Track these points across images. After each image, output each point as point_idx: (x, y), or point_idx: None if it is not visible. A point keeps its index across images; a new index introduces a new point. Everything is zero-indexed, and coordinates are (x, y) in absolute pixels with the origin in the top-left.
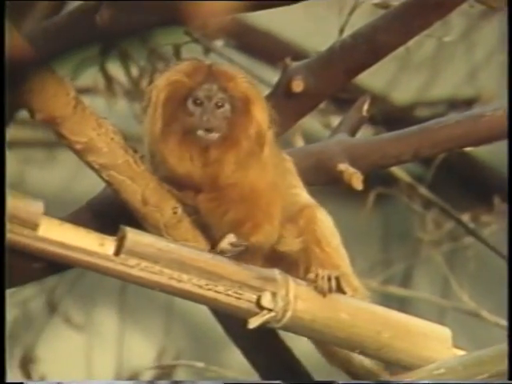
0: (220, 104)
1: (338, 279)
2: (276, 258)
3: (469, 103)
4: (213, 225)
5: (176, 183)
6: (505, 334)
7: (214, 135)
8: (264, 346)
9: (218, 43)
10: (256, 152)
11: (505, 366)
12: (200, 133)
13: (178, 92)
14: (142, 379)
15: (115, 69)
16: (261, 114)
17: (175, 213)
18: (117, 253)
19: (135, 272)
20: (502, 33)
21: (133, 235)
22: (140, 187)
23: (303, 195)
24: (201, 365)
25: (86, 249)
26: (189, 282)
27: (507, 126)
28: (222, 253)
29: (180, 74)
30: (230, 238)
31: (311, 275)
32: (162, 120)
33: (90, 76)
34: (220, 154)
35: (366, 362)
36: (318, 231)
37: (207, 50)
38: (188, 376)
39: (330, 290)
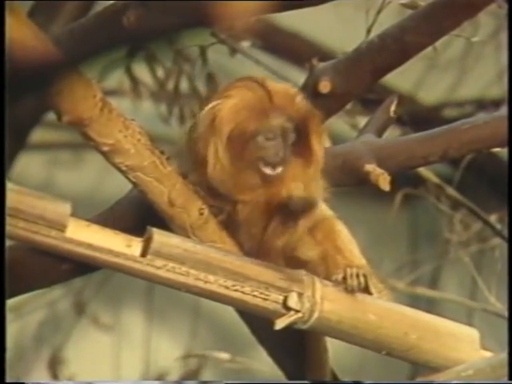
0: (289, 137)
1: (365, 277)
2: (296, 266)
3: (497, 104)
4: (248, 228)
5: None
6: None
7: (279, 169)
8: (291, 346)
9: (245, 44)
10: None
11: None
12: (267, 170)
13: (246, 126)
14: (169, 380)
15: (141, 70)
16: (319, 144)
17: (202, 214)
18: (143, 254)
19: (162, 273)
20: None
21: (159, 236)
22: (166, 188)
23: (322, 207)
24: (226, 356)
25: (113, 250)
26: (215, 283)
27: (507, 131)
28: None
29: (244, 105)
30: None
31: (339, 276)
32: (225, 151)
33: (116, 78)
34: (281, 183)
35: None
36: (339, 240)
37: (233, 51)
38: (215, 375)
39: (360, 287)
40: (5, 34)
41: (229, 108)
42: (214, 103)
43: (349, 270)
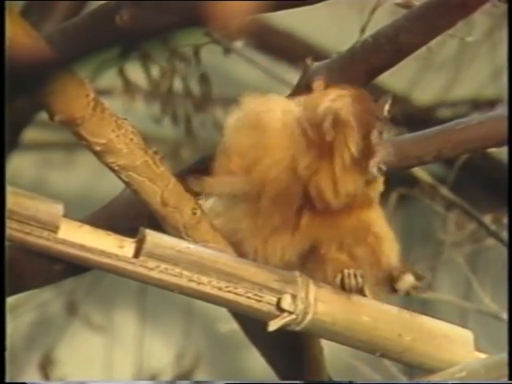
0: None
1: (362, 278)
2: None
3: (491, 104)
4: None
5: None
6: None
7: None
8: (284, 347)
9: (238, 44)
10: None
11: None
12: (374, 170)
13: (367, 124)
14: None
15: (134, 70)
16: None
17: (195, 214)
18: (136, 255)
19: (155, 274)
20: None
21: (152, 237)
22: (159, 188)
23: None
24: None
25: (105, 251)
26: (209, 285)
27: (507, 131)
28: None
29: (364, 101)
30: (409, 278)
31: (337, 278)
32: (351, 150)
33: (109, 77)
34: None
35: None
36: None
37: (227, 51)
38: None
39: (358, 287)
40: (5, 35)
41: (347, 111)
42: None
43: (346, 271)
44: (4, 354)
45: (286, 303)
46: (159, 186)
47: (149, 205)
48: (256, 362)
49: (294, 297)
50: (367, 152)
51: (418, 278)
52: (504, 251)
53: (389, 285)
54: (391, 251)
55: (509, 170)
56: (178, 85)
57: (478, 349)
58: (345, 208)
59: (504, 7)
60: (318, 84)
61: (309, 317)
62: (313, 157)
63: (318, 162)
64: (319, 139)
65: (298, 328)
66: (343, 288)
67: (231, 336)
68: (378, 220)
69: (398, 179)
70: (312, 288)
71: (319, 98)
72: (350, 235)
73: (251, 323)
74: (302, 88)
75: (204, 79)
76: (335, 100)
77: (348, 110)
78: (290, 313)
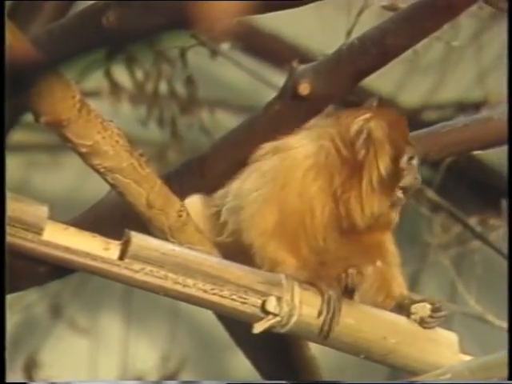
0: None
1: (359, 279)
2: None
3: (477, 106)
4: None
5: None
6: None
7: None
8: (269, 349)
9: (225, 46)
10: None
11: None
12: (399, 194)
13: (399, 147)
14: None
15: (120, 72)
16: None
17: (180, 216)
18: (121, 257)
19: (140, 276)
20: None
21: (138, 239)
22: (145, 190)
23: None
24: None
25: (90, 253)
26: (194, 287)
27: (507, 128)
28: (424, 324)
29: (399, 125)
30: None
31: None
32: (379, 176)
33: (95, 79)
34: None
35: None
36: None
37: (214, 53)
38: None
39: (353, 284)
40: (5, 35)
41: (381, 131)
42: None
43: (351, 270)
44: (4, 354)
45: (271, 305)
46: (145, 188)
47: (134, 207)
48: (241, 364)
49: (279, 299)
50: (395, 175)
51: (435, 309)
52: (489, 253)
53: (401, 312)
54: (402, 278)
55: (509, 169)
56: (164, 87)
57: (463, 351)
58: (365, 228)
59: (490, 9)
60: (304, 87)
61: (294, 319)
62: (345, 175)
63: (349, 181)
64: (352, 157)
65: (283, 330)
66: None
67: (216, 338)
68: (390, 245)
69: None
70: (297, 290)
71: (354, 115)
72: (362, 254)
73: (236, 325)
74: (288, 90)
75: (190, 81)
76: (369, 119)
77: (381, 131)
78: (275, 315)
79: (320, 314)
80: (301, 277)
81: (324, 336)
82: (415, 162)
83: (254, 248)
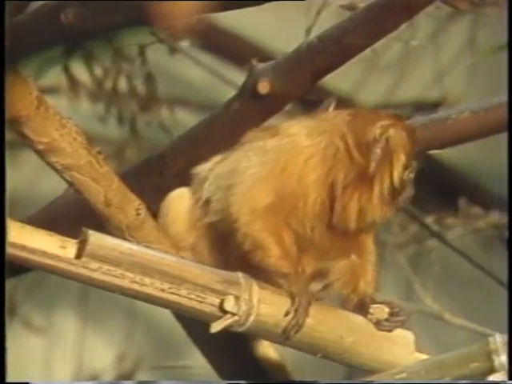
0: None
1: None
2: None
3: (435, 106)
4: None
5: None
6: (468, 336)
7: None
8: (228, 349)
9: (184, 43)
10: None
11: (467, 369)
12: (399, 205)
13: (410, 160)
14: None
15: (79, 69)
16: None
17: (138, 214)
18: (78, 256)
19: (97, 275)
20: (469, 35)
21: (95, 238)
22: (103, 188)
23: None
24: None
25: (47, 252)
26: (151, 286)
27: (507, 124)
28: (379, 326)
29: (413, 137)
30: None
31: None
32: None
33: (54, 76)
34: None
35: None
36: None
37: (173, 51)
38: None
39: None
40: (5, 35)
41: (402, 145)
42: None
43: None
44: (4, 353)
45: (229, 305)
46: (103, 186)
47: (92, 205)
48: (199, 363)
49: (237, 298)
50: (402, 187)
51: (393, 313)
52: (446, 252)
53: (360, 310)
54: (372, 277)
55: (509, 169)
56: (123, 84)
57: (420, 350)
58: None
59: (447, 9)
60: (263, 85)
61: (252, 318)
62: (353, 176)
63: (355, 183)
64: (364, 161)
65: (240, 329)
66: None
67: (174, 337)
68: (370, 242)
69: None
70: (255, 289)
71: (372, 119)
72: (342, 248)
73: (194, 324)
74: (248, 89)
75: (149, 79)
76: (389, 126)
77: (400, 141)
78: (233, 314)
79: (287, 314)
80: (280, 268)
81: (287, 337)
82: (412, 175)
83: (238, 223)
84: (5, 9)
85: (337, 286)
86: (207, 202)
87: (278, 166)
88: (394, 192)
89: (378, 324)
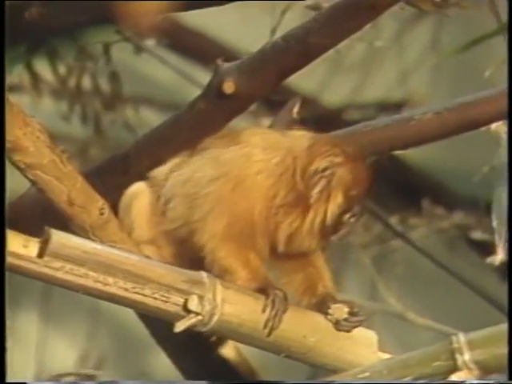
0: None
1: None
2: None
3: (398, 106)
4: None
5: None
6: (432, 336)
7: None
8: (192, 349)
9: (150, 42)
10: None
11: (430, 368)
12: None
13: (351, 203)
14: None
15: (42, 66)
16: None
17: (102, 214)
18: (41, 255)
19: (60, 275)
20: (433, 36)
21: (58, 237)
22: (66, 187)
23: None
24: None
25: (9, 250)
26: (115, 285)
27: (507, 127)
28: (338, 325)
29: (361, 180)
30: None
31: None
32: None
33: (16, 73)
34: None
35: None
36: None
37: (138, 50)
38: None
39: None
40: (5, 35)
41: (342, 190)
42: None
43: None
44: (4, 353)
45: (193, 304)
46: (66, 185)
47: (55, 204)
48: (162, 363)
49: (201, 298)
50: (335, 226)
51: (352, 313)
52: (409, 252)
53: (319, 310)
54: (328, 277)
55: (509, 168)
56: (87, 82)
57: (383, 349)
58: None
59: (411, 10)
60: (228, 85)
61: (215, 318)
62: (289, 201)
63: (289, 209)
64: (304, 190)
65: (204, 329)
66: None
67: (137, 337)
68: (322, 263)
69: None
70: (219, 289)
71: (325, 149)
72: (295, 262)
73: (158, 324)
74: (213, 89)
75: (114, 77)
76: (337, 165)
77: (343, 184)
78: (197, 314)
79: (264, 310)
80: (250, 287)
81: (270, 329)
82: (355, 219)
83: (204, 252)
84: (5, 9)
85: (297, 295)
86: (165, 204)
87: (229, 182)
88: (326, 229)
89: (336, 324)
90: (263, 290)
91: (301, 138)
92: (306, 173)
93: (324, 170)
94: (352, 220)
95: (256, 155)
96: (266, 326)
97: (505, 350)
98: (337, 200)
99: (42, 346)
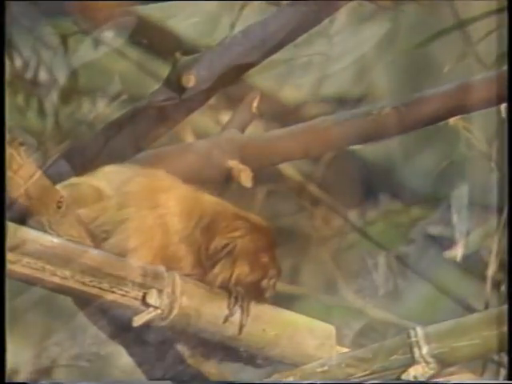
0: None
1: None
2: None
3: (357, 101)
4: None
5: None
6: (390, 330)
7: None
8: (152, 344)
9: (108, 34)
10: None
11: (387, 362)
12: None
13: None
14: (18, 380)
15: None
16: None
17: (59, 207)
18: None
19: (16, 268)
20: (391, 31)
21: (14, 230)
22: (23, 180)
23: None
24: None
25: None
26: (72, 279)
27: (507, 126)
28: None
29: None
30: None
31: None
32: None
33: None
34: None
35: None
36: None
37: (96, 42)
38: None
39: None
40: (5, 35)
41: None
42: None
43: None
44: (4, 353)
45: (152, 298)
46: (23, 178)
47: (12, 197)
48: (122, 361)
49: (159, 291)
50: (257, 291)
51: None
52: (368, 246)
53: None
54: None
55: (509, 168)
56: (43, 75)
57: (341, 343)
58: None
59: (369, 6)
60: (187, 78)
61: (174, 311)
62: (195, 272)
63: (194, 265)
64: (208, 267)
65: (163, 323)
66: None
67: (95, 333)
68: None
69: (266, 175)
70: (178, 282)
71: (219, 226)
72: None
73: (116, 319)
74: (172, 82)
75: (71, 70)
76: (236, 239)
77: (245, 251)
78: (156, 308)
79: (228, 307)
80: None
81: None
82: (274, 282)
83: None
84: (5, 9)
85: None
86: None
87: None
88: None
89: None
90: (225, 288)
91: (218, 204)
92: (208, 251)
93: (224, 246)
94: (271, 283)
95: (170, 209)
96: (226, 320)
97: (462, 343)
98: (243, 269)
99: None
